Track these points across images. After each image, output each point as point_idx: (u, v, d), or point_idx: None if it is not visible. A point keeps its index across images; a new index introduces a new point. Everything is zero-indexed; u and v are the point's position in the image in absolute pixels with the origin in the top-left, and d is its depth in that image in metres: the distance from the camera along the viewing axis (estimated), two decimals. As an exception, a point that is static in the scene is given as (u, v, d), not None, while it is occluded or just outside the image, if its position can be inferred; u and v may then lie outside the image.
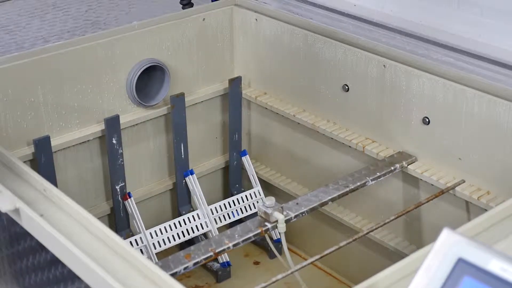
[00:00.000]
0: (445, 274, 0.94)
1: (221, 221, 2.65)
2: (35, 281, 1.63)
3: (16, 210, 1.50)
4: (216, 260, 2.63)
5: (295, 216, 2.03)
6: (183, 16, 2.61)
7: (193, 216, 2.59)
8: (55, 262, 1.51)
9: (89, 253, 1.40)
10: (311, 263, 1.88)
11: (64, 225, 1.49)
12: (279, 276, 1.78)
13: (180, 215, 2.63)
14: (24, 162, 2.04)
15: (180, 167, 2.62)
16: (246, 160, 2.74)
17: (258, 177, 2.74)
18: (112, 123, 2.40)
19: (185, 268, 1.83)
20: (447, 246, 0.96)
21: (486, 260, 0.92)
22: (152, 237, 2.48)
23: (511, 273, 0.89)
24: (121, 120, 2.44)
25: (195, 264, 1.86)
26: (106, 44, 2.42)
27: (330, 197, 2.10)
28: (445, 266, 0.94)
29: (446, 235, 0.97)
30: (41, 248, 1.54)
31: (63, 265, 1.46)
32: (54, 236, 1.43)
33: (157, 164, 2.67)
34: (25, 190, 1.61)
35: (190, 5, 3.05)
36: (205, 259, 1.90)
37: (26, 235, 1.57)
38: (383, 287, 1.28)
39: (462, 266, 0.93)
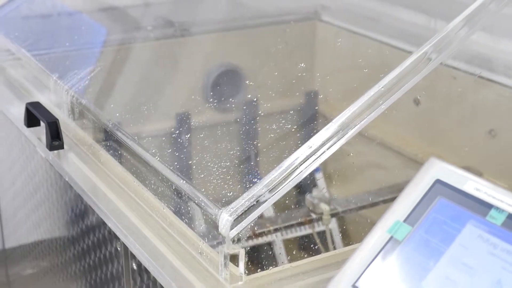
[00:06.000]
0: (420, 194, 0.90)
1: (287, 234, 2.62)
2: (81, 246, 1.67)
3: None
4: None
5: (343, 212, 1.99)
6: (266, 24, 2.65)
7: (255, 222, 2.56)
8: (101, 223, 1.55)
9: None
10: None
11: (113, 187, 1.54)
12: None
13: (242, 221, 2.61)
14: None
15: (248, 174, 2.62)
16: (319, 176, 2.70)
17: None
18: (183, 119, 2.44)
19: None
20: (428, 170, 0.92)
21: (462, 181, 0.88)
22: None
23: (484, 193, 0.84)
24: (192, 119, 2.47)
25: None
26: (187, 43, 2.48)
27: (382, 199, 2.05)
28: (422, 187, 0.90)
29: (430, 161, 0.93)
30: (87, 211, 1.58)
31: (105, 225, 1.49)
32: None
33: (223, 168, 2.67)
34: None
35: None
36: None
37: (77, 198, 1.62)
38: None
39: (438, 187, 0.89)
